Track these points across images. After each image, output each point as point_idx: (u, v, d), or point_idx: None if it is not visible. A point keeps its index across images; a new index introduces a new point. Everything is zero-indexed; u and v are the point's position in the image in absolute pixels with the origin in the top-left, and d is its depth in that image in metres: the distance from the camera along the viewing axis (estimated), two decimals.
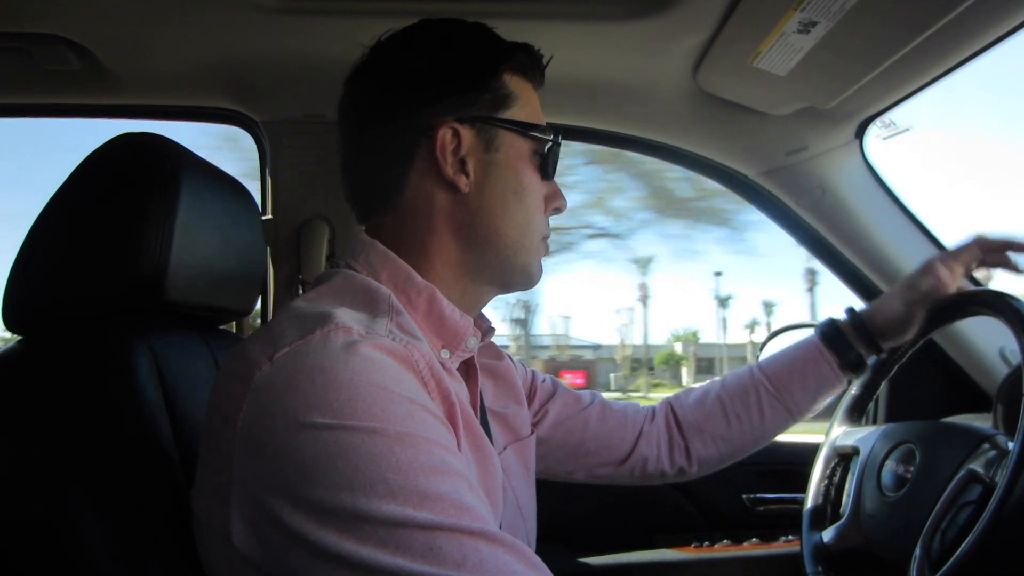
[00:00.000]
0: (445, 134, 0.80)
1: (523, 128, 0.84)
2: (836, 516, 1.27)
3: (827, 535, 1.23)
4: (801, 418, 1.19)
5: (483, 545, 0.56)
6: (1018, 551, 0.89)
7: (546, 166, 0.87)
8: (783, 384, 1.16)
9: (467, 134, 0.81)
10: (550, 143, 0.87)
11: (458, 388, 0.79)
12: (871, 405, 1.34)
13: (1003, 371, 1.52)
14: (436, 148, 0.80)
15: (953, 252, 1.13)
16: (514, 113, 0.84)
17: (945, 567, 0.89)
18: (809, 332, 1.68)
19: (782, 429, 1.19)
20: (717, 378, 1.23)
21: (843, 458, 1.31)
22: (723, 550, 1.67)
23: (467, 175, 0.82)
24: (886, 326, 1.13)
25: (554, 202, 0.91)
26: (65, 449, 0.78)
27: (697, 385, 1.24)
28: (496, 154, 0.83)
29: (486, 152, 0.82)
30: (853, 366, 1.15)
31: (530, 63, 0.87)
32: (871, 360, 1.17)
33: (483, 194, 0.82)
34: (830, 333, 1.16)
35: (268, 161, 1.61)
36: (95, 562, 0.76)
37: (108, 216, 0.86)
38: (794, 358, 1.17)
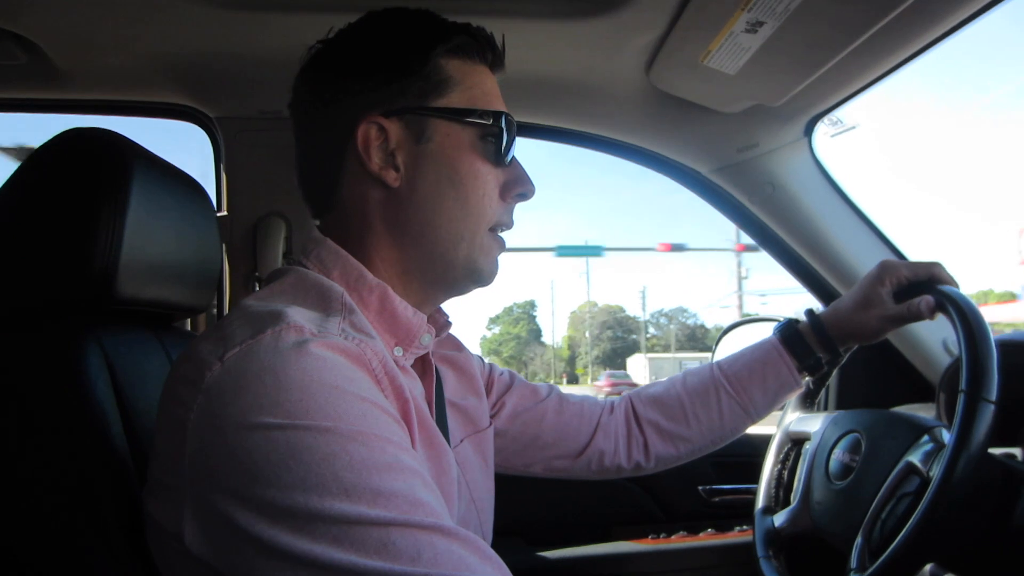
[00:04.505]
0: (368, 130, 0.79)
1: (456, 115, 0.81)
2: (787, 501, 1.31)
3: (778, 519, 1.26)
4: (758, 419, 1.20)
5: (438, 540, 0.56)
6: (951, 541, 0.93)
7: (497, 151, 0.83)
8: (743, 385, 1.17)
9: (394, 127, 0.80)
10: (494, 126, 0.83)
11: (412, 385, 0.79)
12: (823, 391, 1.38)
13: (945, 361, 1.57)
14: (359, 144, 0.79)
15: (909, 264, 1.12)
16: (452, 99, 0.81)
17: (883, 556, 0.92)
18: (765, 326, 1.73)
19: (740, 430, 1.20)
20: (678, 375, 1.23)
21: (796, 443, 1.35)
22: (679, 541, 1.69)
23: (397, 169, 0.80)
24: (847, 332, 1.14)
25: (516, 188, 0.87)
26: (12, 449, 0.76)
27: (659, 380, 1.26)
28: (428, 144, 0.80)
29: (417, 143, 0.80)
30: (812, 369, 1.16)
31: (474, 44, 0.84)
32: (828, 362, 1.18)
33: (415, 187, 0.80)
34: (790, 336, 1.16)
35: (223, 157, 1.59)
36: (46, 563, 0.75)
37: (56, 212, 0.85)
38: (753, 359, 1.18)
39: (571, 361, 67.52)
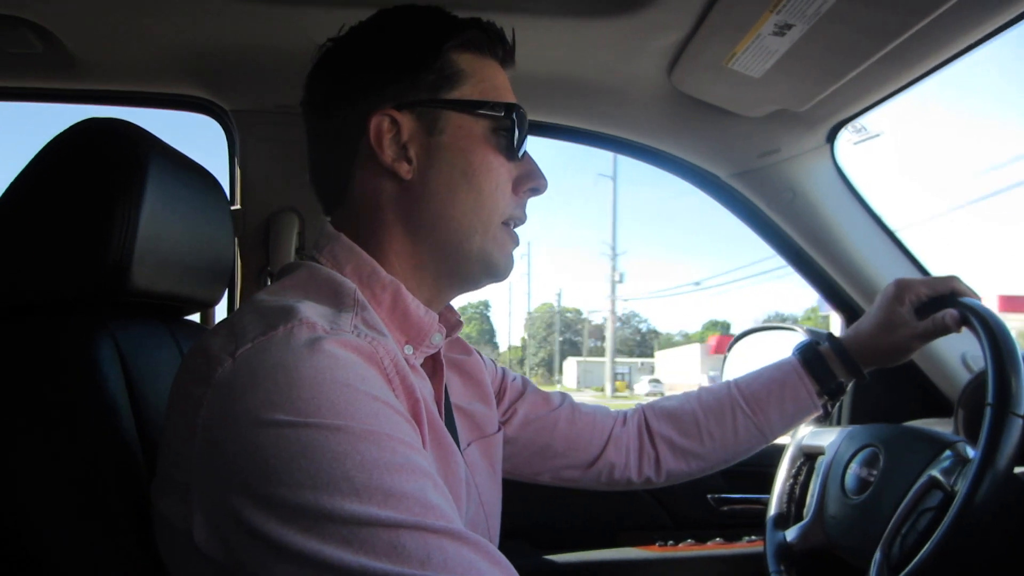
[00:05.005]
0: (380, 122, 0.79)
1: (468, 107, 0.81)
2: (800, 516, 1.29)
3: (790, 534, 1.25)
4: (773, 439, 1.18)
5: (447, 543, 0.56)
6: (975, 558, 0.91)
7: (510, 145, 0.83)
8: (760, 406, 1.15)
9: (406, 119, 0.80)
10: (506, 119, 0.83)
11: (422, 385, 0.78)
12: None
13: (964, 377, 1.55)
14: (371, 137, 0.79)
15: (926, 280, 1.11)
16: (464, 92, 0.81)
17: (904, 572, 0.90)
18: (774, 334, 1.71)
19: (754, 449, 1.18)
20: (693, 391, 1.22)
21: (808, 458, 1.33)
22: (687, 549, 1.68)
23: (409, 161, 0.80)
24: (873, 355, 1.13)
25: (529, 182, 0.86)
26: (23, 440, 0.76)
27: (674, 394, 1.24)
28: (441, 137, 0.80)
29: (429, 136, 0.80)
30: (832, 394, 1.15)
31: (485, 38, 0.84)
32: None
33: (428, 179, 0.80)
34: (811, 358, 1.15)
35: (237, 151, 1.59)
36: (52, 555, 0.75)
37: (71, 203, 0.85)
38: (772, 380, 1.16)
39: (522, 363, 67.97)
